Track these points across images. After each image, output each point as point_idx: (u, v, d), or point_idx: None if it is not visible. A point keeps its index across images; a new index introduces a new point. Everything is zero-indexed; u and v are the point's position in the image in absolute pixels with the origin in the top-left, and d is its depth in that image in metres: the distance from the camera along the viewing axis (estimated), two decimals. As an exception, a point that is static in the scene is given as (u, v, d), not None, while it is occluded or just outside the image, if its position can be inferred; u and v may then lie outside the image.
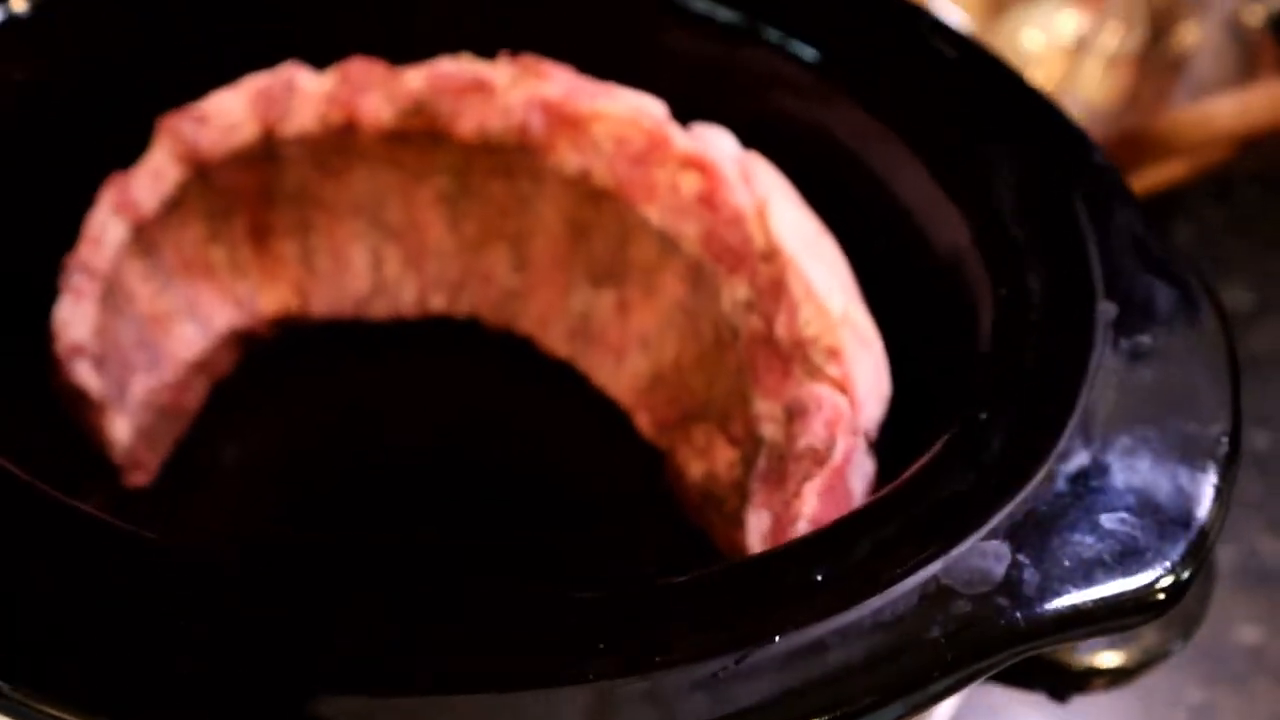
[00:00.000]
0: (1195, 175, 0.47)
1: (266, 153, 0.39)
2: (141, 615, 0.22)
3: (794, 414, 0.29)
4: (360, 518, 0.39)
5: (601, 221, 0.38)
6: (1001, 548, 0.22)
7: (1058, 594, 0.21)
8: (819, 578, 0.21)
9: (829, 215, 0.33)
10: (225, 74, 0.38)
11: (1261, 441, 0.53)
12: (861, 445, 0.28)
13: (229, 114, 0.38)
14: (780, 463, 0.29)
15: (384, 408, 0.42)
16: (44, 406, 0.38)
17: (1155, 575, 0.22)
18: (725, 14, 0.35)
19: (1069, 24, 0.53)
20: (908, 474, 0.24)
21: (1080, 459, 0.23)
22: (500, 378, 0.43)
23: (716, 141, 0.35)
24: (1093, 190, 0.29)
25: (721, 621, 0.21)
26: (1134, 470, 0.23)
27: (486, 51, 0.38)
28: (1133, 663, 0.28)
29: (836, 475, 0.27)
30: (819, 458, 0.28)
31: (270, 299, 0.42)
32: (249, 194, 0.40)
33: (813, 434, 0.28)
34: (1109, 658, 0.28)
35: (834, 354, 0.29)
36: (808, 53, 0.35)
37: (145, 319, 0.39)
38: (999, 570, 0.21)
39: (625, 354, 0.40)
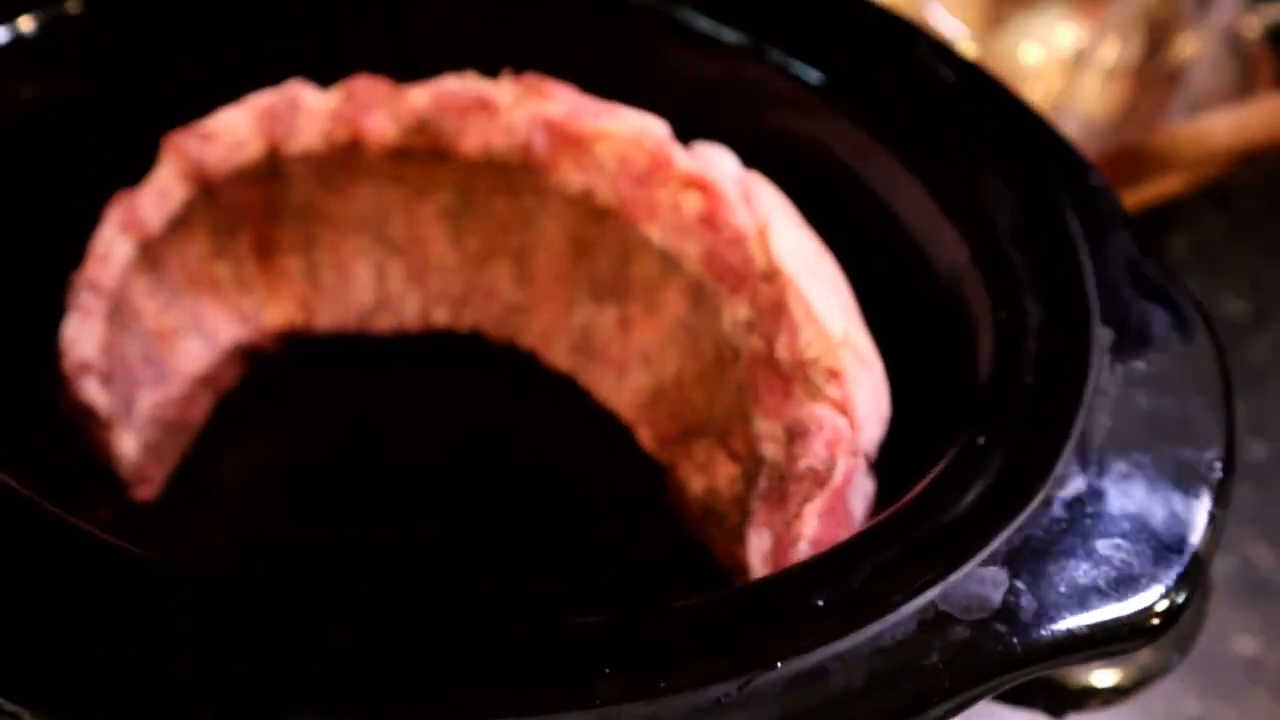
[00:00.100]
0: (1193, 189, 0.48)
1: (271, 170, 0.39)
2: (140, 631, 0.22)
3: (795, 434, 0.29)
4: (363, 529, 0.39)
5: (604, 239, 0.38)
6: (999, 574, 0.22)
7: (1054, 620, 0.22)
8: (820, 603, 0.22)
9: (829, 234, 0.34)
10: (230, 91, 0.39)
11: (1258, 452, 0.53)
12: (861, 466, 0.29)
13: (234, 132, 0.38)
14: (781, 482, 0.30)
15: (387, 421, 0.43)
16: (52, 422, 0.38)
17: (1150, 601, 0.22)
18: (729, 34, 0.36)
19: (1067, 37, 0.54)
20: (907, 498, 0.24)
21: (1076, 485, 0.24)
22: (503, 391, 0.43)
23: (717, 161, 0.35)
24: (1089, 213, 0.29)
25: (725, 646, 0.21)
26: (1129, 496, 0.24)
27: (490, 70, 0.39)
28: (1129, 681, 0.29)
29: (837, 496, 0.27)
30: (819, 479, 0.28)
31: (275, 313, 0.42)
32: (254, 210, 0.41)
33: (813, 455, 0.28)
34: (1106, 676, 0.29)
35: (834, 375, 0.29)
36: (809, 73, 0.35)
37: (151, 335, 0.40)
38: (996, 596, 0.22)
39: (627, 369, 0.41)
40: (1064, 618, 0.22)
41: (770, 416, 0.31)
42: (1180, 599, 0.23)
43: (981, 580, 0.22)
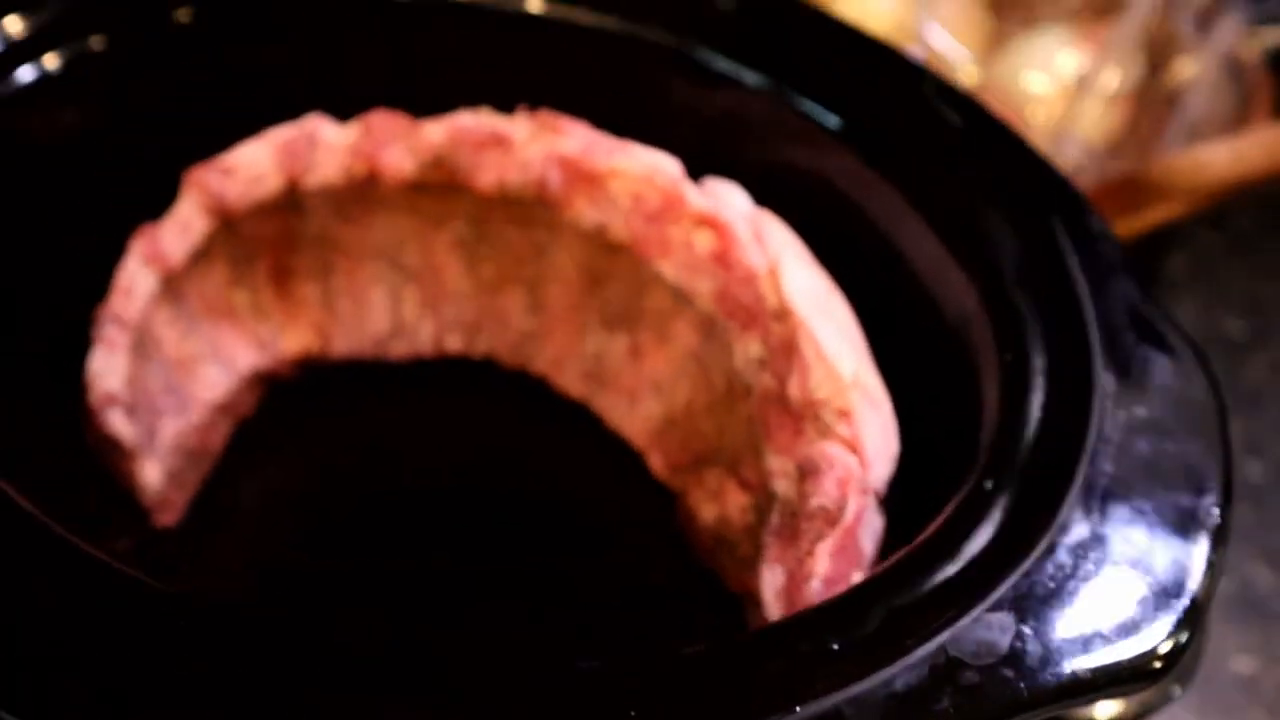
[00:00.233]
0: (1191, 214, 0.48)
1: (290, 203, 0.40)
2: (143, 637, 0.23)
3: (806, 472, 0.30)
4: (378, 553, 0.40)
5: (616, 272, 0.39)
6: (1006, 619, 0.23)
7: (1059, 664, 0.23)
8: (835, 647, 0.23)
9: (838, 272, 0.35)
10: (250, 126, 0.40)
11: (1255, 472, 0.54)
12: (871, 504, 0.30)
13: (254, 166, 0.39)
14: (793, 519, 0.30)
15: (402, 446, 0.44)
16: (77, 450, 0.39)
17: (1152, 644, 0.23)
18: (743, 73, 0.37)
19: (1069, 63, 0.55)
20: (917, 542, 0.25)
21: (1080, 531, 0.25)
22: (516, 417, 0.44)
23: (729, 199, 0.36)
24: (1091, 258, 0.30)
25: (742, 690, 0.22)
26: (1131, 541, 0.25)
27: (505, 106, 0.39)
28: (1131, 714, 0.29)
29: (848, 535, 0.28)
30: (831, 517, 0.29)
31: (292, 340, 0.43)
32: (271, 239, 0.42)
33: (824, 494, 0.29)
34: (1107, 708, 0.29)
35: (844, 415, 0.30)
36: (818, 111, 0.36)
37: (172, 363, 0.40)
38: (1004, 642, 0.23)
39: (638, 397, 0.41)
40: (1069, 662, 0.23)
41: (782, 453, 0.32)
42: (1181, 641, 0.24)
43: (989, 626, 0.23)
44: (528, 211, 0.40)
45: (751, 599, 0.35)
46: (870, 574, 0.26)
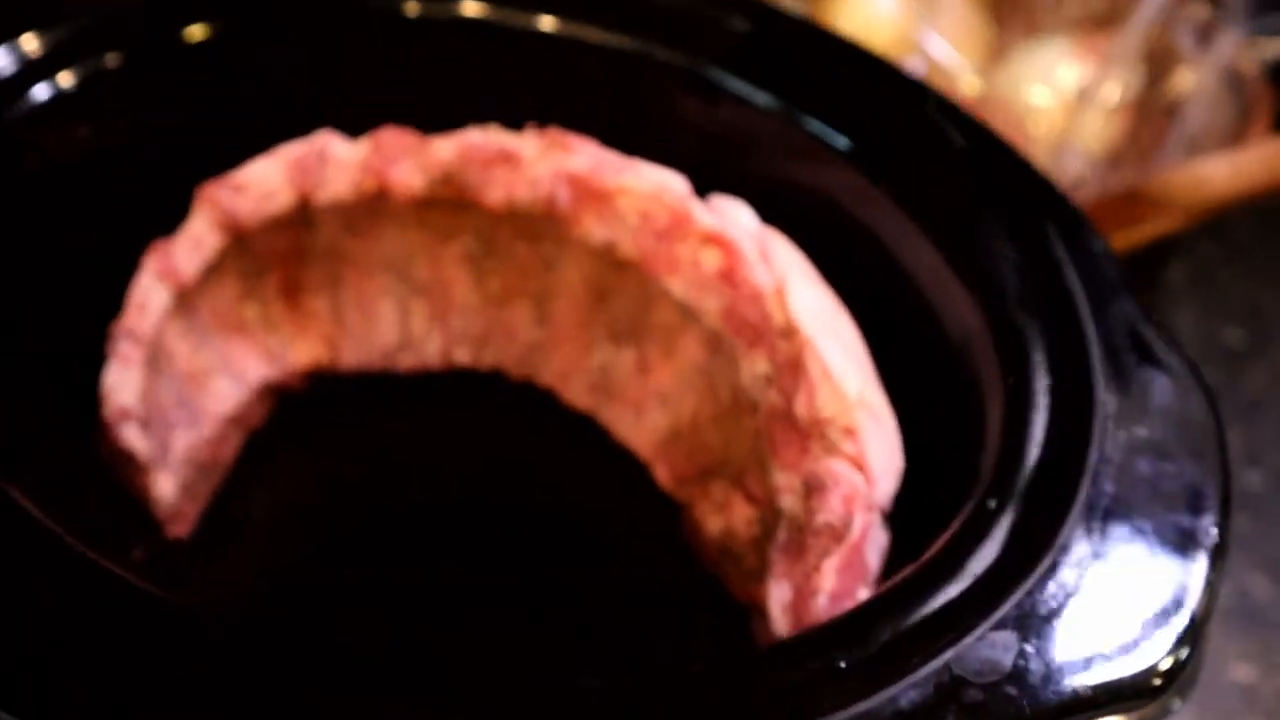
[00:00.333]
0: (1190, 226, 0.49)
1: (301, 218, 0.41)
2: (147, 657, 0.23)
3: (812, 489, 0.31)
4: (386, 564, 0.41)
5: (624, 287, 0.40)
6: (1009, 637, 0.24)
7: (1061, 682, 0.23)
8: (842, 665, 0.23)
9: (843, 289, 0.35)
10: (261, 142, 0.40)
11: (1254, 481, 0.55)
12: (876, 520, 0.30)
13: (265, 183, 0.40)
14: (799, 535, 0.31)
15: (410, 457, 0.44)
16: (90, 462, 0.39)
17: (1152, 662, 0.24)
18: (751, 92, 0.37)
19: (1069, 75, 0.55)
20: (922, 560, 0.26)
21: (1081, 550, 0.25)
22: (523, 429, 0.44)
23: (736, 217, 0.36)
24: (1092, 279, 0.31)
25: (750, 707, 0.23)
26: (1131, 561, 0.25)
27: (514, 123, 0.40)
28: (1130, 726, 0.30)
29: (854, 551, 0.29)
30: (837, 533, 0.29)
31: (301, 352, 0.44)
32: (282, 254, 0.42)
33: (830, 510, 0.30)
34: (1108, 721, 0.30)
35: (850, 432, 0.31)
36: (823, 131, 0.36)
37: (184, 377, 0.41)
38: (1007, 660, 0.23)
39: (644, 409, 0.42)
40: (1070, 679, 0.23)
41: (788, 469, 0.32)
42: (1181, 658, 0.24)
43: (993, 644, 0.23)
44: (536, 227, 0.40)
45: (757, 610, 0.36)
46: (876, 592, 0.26)
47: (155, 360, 0.39)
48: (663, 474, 0.41)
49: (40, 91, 0.37)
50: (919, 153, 0.35)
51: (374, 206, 0.41)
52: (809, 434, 0.31)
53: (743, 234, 0.35)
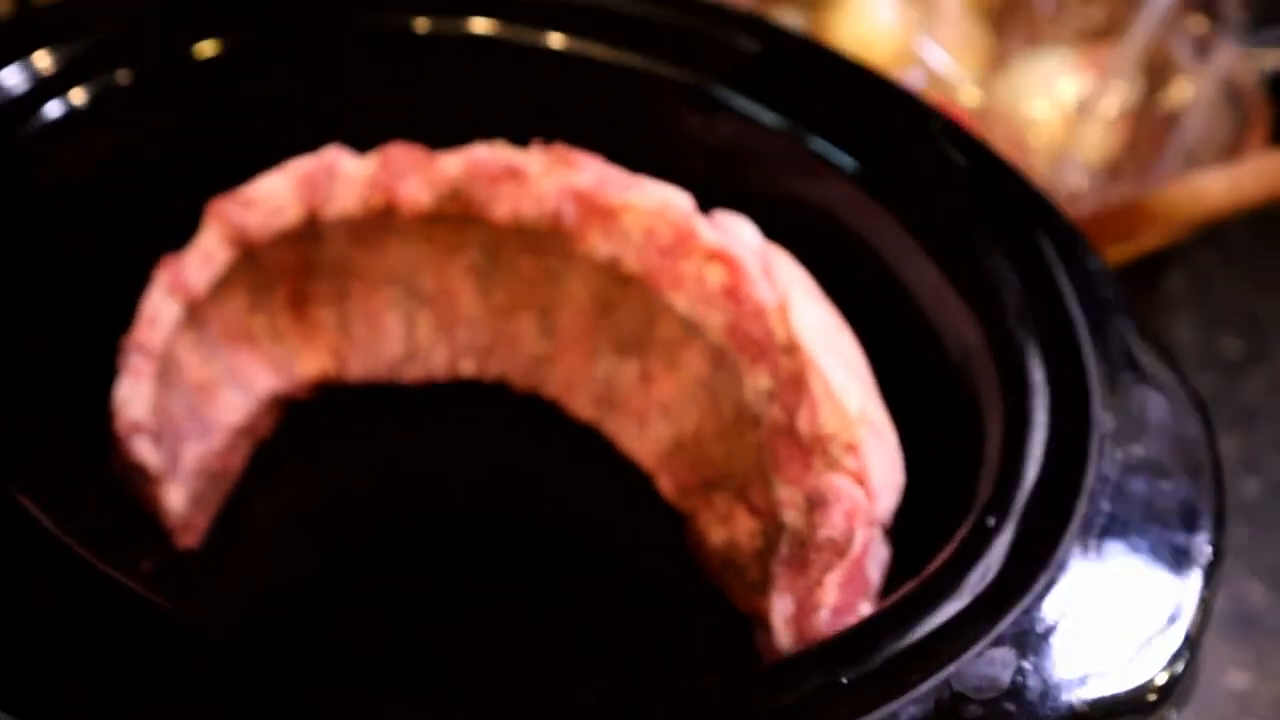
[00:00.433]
0: (1188, 238, 0.50)
1: (309, 233, 0.41)
2: (148, 657, 0.24)
3: (814, 504, 0.31)
4: (392, 570, 0.41)
5: (628, 301, 0.40)
6: (1008, 654, 0.24)
7: (1058, 698, 0.24)
8: (845, 680, 0.24)
9: (844, 304, 0.36)
10: (270, 158, 0.41)
11: (1251, 489, 0.55)
12: (878, 535, 0.31)
13: (275, 197, 0.40)
14: (802, 549, 0.32)
15: (416, 467, 0.45)
16: (100, 473, 0.40)
17: (1147, 678, 0.24)
18: (758, 110, 0.38)
19: (1069, 87, 0.56)
20: (923, 577, 0.26)
21: (1078, 568, 0.26)
22: (528, 439, 0.45)
23: (739, 233, 0.37)
24: (1091, 298, 0.31)
25: (756, 722, 0.23)
26: (1126, 578, 0.26)
27: (522, 139, 0.41)
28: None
29: (856, 566, 0.29)
30: (839, 548, 0.30)
31: (308, 363, 0.44)
32: (290, 267, 0.43)
33: (832, 525, 0.30)
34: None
35: (852, 448, 0.31)
36: (827, 149, 0.37)
37: (194, 388, 0.41)
38: (1005, 677, 0.24)
39: (648, 420, 0.42)
40: (1067, 696, 0.24)
41: (791, 484, 0.33)
42: (1176, 672, 0.25)
43: (992, 661, 0.24)
44: (541, 241, 0.41)
45: (760, 621, 0.36)
46: (878, 609, 0.27)
47: (166, 373, 0.40)
48: (666, 485, 0.42)
49: (53, 108, 0.38)
50: (921, 171, 0.35)
51: (381, 221, 0.42)
52: (811, 450, 0.32)
53: (746, 250, 0.36)
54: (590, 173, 0.39)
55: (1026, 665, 0.24)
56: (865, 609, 0.29)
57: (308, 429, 0.45)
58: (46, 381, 0.38)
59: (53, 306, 0.38)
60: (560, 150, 0.39)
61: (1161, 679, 0.25)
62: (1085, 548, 0.26)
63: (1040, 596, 0.25)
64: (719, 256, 0.36)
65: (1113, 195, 0.52)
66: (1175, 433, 0.28)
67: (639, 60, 0.40)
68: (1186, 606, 0.25)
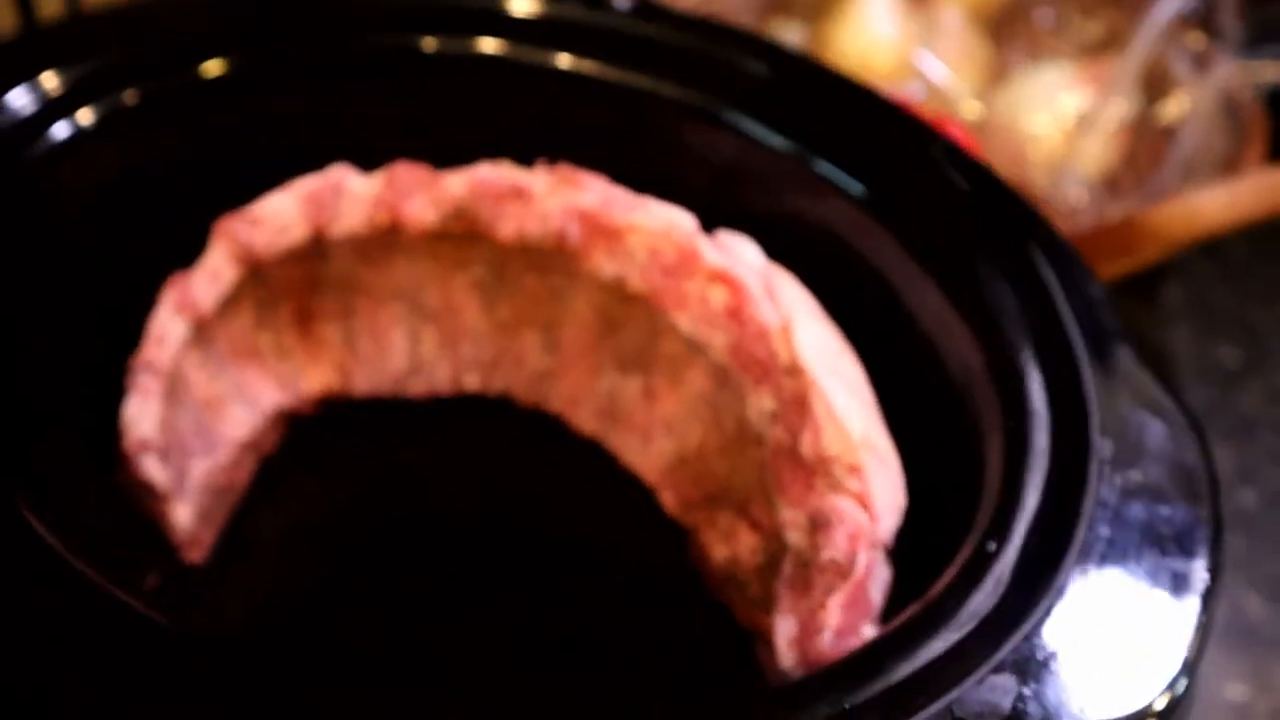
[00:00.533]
0: (1185, 252, 0.50)
1: (315, 250, 0.42)
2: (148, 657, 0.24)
3: (818, 525, 0.32)
4: (396, 584, 0.42)
5: (632, 319, 0.41)
6: (1009, 680, 0.24)
7: (1059, 724, 0.24)
8: (848, 706, 0.24)
9: (846, 325, 0.36)
10: (277, 176, 0.41)
11: (1248, 501, 0.55)
12: (880, 557, 0.31)
13: (281, 216, 0.40)
14: (805, 570, 0.32)
15: (420, 481, 0.45)
16: (108, 490, 0.40)
17: (1145, 704, 0.25)
18: (761, 132, 0.38)
19: (1069, 102, 0.56)
20: (924, 602, 0.27)
21: (1077, 593, 0.26)
22: (532, 454, 0.45)
23: (742, 254, 0.37)
24: (1091, 324, 0.32)
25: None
26: (1125, 604, 0.26)
27: (524, 158, 0.41)
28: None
29: (858, 589, 0.30)
30: (842, 570, 0.30)
31: (314, 379, 0.45)
32: (296, 284, 0.43)
33: (835, 547, 0.31)
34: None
35: (854, 470, 0.32)
36: (831, 172, 0.37)
37: (200, 405, 0.42)
38: (1006, 703, 0.24)
39: (651, 435, 0.43)
40: (1067, 721, 0.24)
41: (794, 505, 0.33)
42: (1175, 697, 0.25)
43: (993, 687, 0.24)
44: (546, 260, 0.41)
45: (761, 637, 0.37)
46: (880, 635, 0.27)
47: (173, 391, 0.40)
48: (669, 499, 0.42)
49: (60, 129, 0.38)
50: (923, 194, 0.36)
51: (387, 239, 0.42)
52: (814, 471, 0.32)
53: (749, 272, 0.36)
54: (595, 193, 0.39)
55: (1027, 692, 0.24)
56: (868, 631, 0.30)
57: (313, 444, 0.45)
58: (55, 399, 0.39)
59: (61, 325, 0.39)
60: (565, 170, 0.40)
61: (1160, 703, 0.25)
62: (1085, 573, 0.27)
63: (1040, 622, 0.26)
64: (722, 278, 0.36)
65: (1111, 211, 0.52)
66: (1173, 458, 0.29)
67: (644, 81, 0.40)
68: (1185, 631, 0.26)
